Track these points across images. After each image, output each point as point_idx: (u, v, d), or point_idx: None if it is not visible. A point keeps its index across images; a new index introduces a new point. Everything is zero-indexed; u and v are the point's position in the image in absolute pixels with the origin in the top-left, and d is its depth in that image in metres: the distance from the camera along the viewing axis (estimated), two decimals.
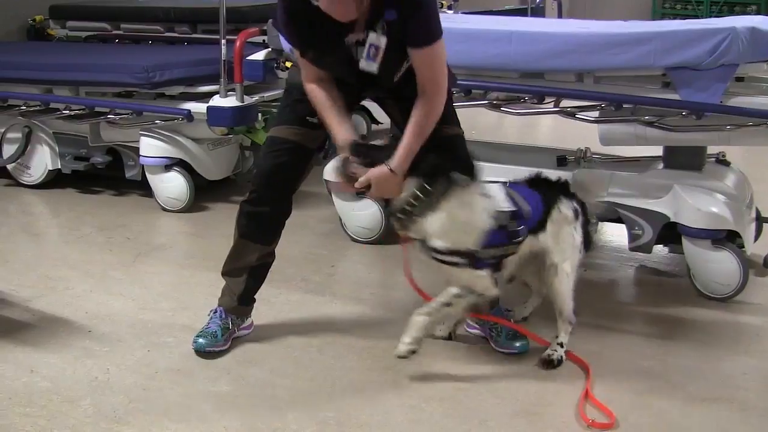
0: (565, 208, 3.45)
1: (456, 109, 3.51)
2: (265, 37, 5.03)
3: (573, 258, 3.46)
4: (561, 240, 3.43)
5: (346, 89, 3.33)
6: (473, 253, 3.20)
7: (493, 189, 3.31)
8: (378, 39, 3.10)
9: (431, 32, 3.11)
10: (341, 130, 3.28)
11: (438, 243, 3.18)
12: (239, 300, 3.61)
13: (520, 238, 3.31)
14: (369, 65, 3.16)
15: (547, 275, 3.45)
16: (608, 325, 3.82)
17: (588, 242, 3.55)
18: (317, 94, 3.30)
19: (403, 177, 3.20)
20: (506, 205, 3.27)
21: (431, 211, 3.17)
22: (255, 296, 3.66)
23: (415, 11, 3.05)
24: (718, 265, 4.04)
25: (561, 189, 3.52)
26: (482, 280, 3.27)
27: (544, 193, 3.45)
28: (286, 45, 3.30)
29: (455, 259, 3.20)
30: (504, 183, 3.43)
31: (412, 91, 3.22)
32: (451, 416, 3.07)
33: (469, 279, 3.25)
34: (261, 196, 3.49)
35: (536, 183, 3.52)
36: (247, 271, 3.59)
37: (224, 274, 3.63)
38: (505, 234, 3.26)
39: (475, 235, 3.19)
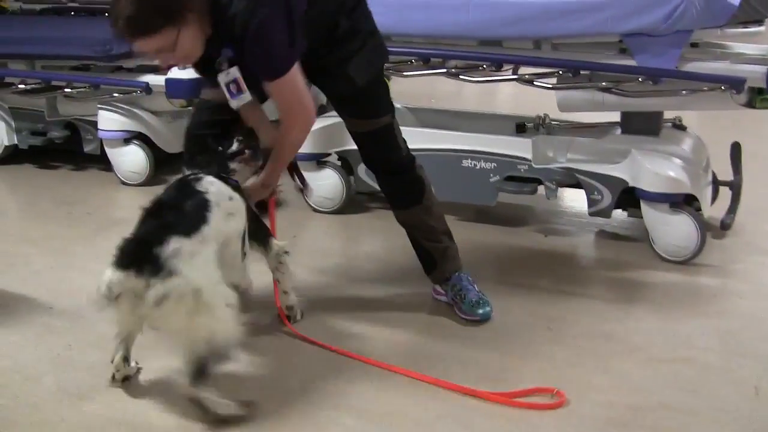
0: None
1: (417, 78, 3.48)
2: None
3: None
4: None
5: None
6: None
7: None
8: (227, 75, 3.07)
9: (273, 68, 3.04)
10: None
11: None
12: None
13: None
14: (240, 100, 3.12)
15: None
16: (570, 290, 3.86)
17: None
18: None
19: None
20: None
21: None
22: None
23: (250, 47, 2.98)
24: (676, 229, 4.09)
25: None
26: None
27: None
28: None
29: None
30: None
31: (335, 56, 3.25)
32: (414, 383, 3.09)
33: None
34: None
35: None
36: None
37: None
38: None
39: None
